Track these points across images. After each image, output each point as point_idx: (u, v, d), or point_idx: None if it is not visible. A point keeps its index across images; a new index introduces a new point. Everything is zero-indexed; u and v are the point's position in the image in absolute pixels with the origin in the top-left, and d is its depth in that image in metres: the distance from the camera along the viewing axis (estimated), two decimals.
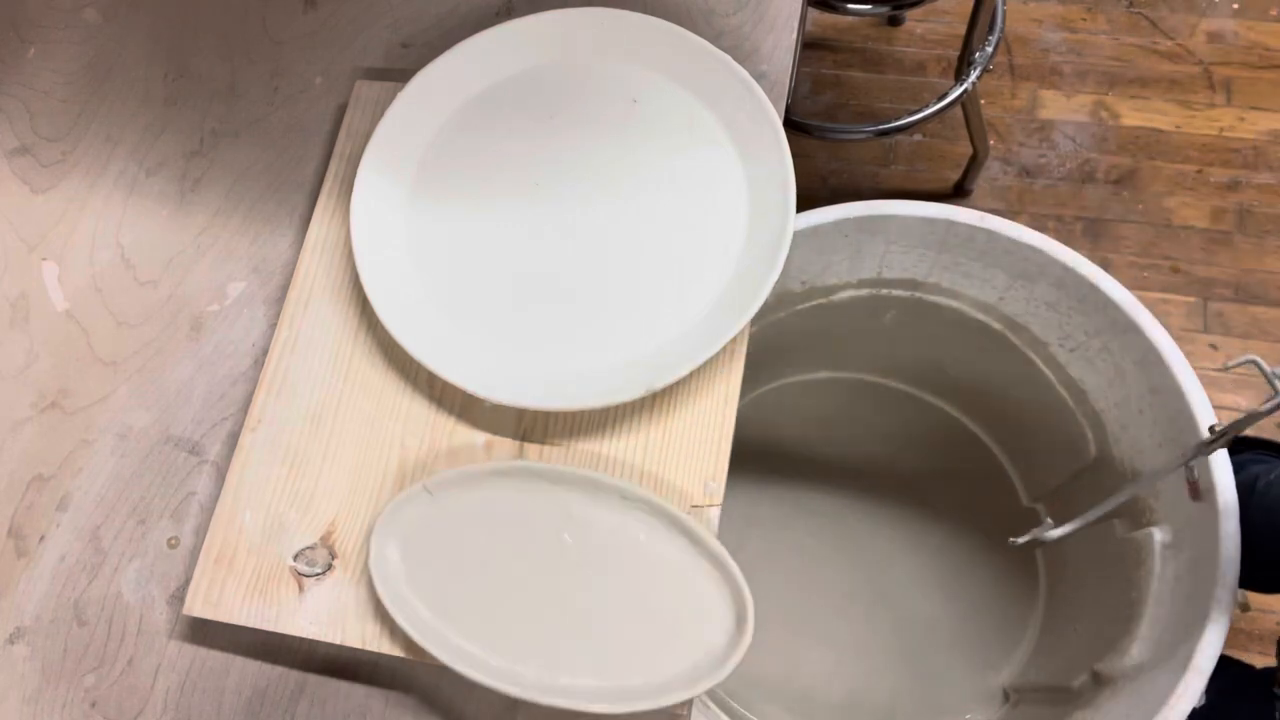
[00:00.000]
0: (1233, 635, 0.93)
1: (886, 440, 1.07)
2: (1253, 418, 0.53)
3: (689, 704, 0.48)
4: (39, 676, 0.54)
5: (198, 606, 0.52)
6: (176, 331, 0.61)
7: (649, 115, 0.58)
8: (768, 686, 0.97)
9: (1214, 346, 1.26)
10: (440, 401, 0.55)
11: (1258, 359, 0.52)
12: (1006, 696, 0.93)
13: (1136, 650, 0.69)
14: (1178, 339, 0.72)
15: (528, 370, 0.53)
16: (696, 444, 0.52)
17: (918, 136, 1.42)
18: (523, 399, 0.51)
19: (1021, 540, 0.71)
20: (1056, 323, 0.81)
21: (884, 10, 1.03)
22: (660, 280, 0.54)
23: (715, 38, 0.61)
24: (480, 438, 0.54)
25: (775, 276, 0.51)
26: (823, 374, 1.07)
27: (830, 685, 0.98)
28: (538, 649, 0.49)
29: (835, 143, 1.39)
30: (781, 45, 0.62)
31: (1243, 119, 1.38)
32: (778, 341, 0.94)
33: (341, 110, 0.64)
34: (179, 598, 0.55)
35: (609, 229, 0.56)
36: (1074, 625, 0.87)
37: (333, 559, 0.52)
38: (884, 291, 0.88)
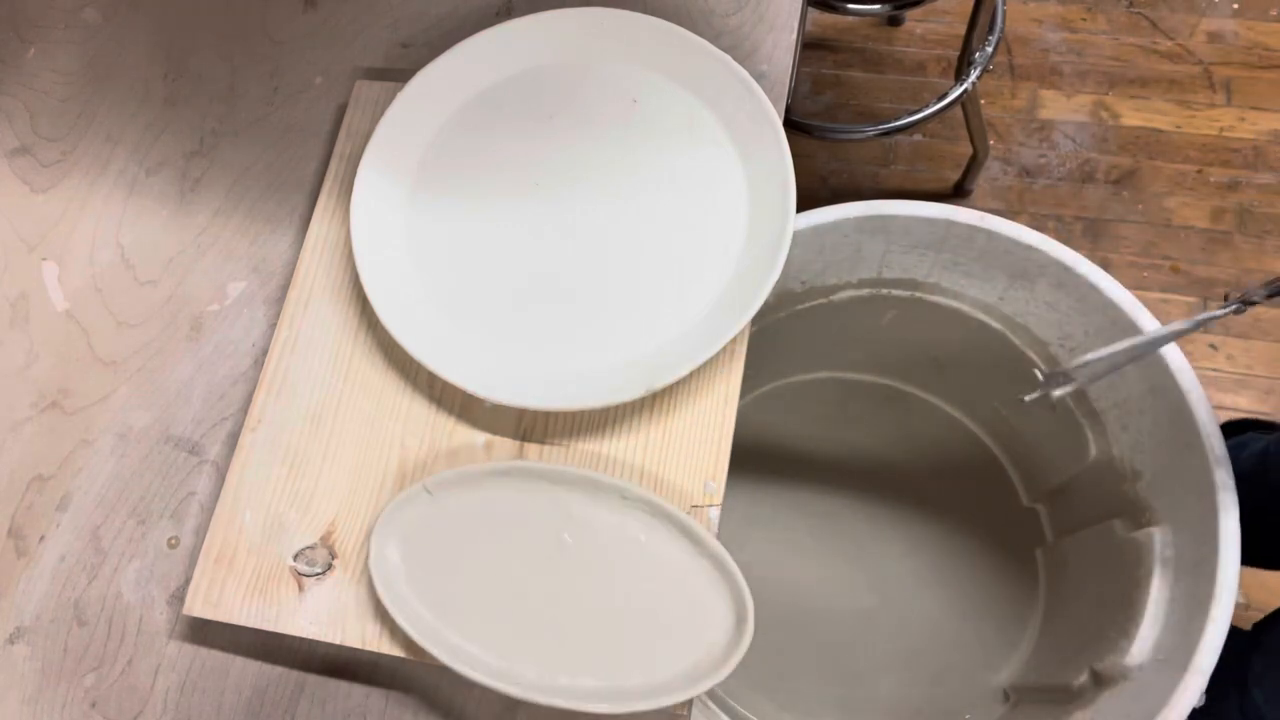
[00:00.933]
0: None
1: (886, 440, 1.07)
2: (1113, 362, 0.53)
3: (689, 704, 0.48)
4: (39, 676, 0.54)
5: (198, 606, 0.52)
6: (176, 331, 0.61)
7: (649, 115, 0.58)
8: (768, 686, 0.97)
9: (1214, 347, 1.26)
10: (440, 401, 0.55)
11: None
12: (1006, 696, 0.93)
13: (1136, 650, 0.69)
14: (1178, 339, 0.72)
15: (527, 370, 0.53)
16: (696, 444, 0.52)
17: (918, 136, 1.42)
18: (523, 399, 0.51)
19: (1030, 397, 0.68)
20: (1056, 323, 0.81)
21: (884, 10, 1.03)
22: (660, 280, 0.54)
23: (715, 38, 0.61)
24: (480, 438, 0.54)
25: (775, 276, 0.51)
26: (823, 374, 1.07)
27: (830, 685, 0.98)
28: (538, 649, 0.49)
29: (835, 143, 1.39)
30: (781, 45, 0.62)
31: (1243, 119, 1.38)
32: (778, 341, 0.94)
33: (341, 110, 0.64)
34: (179, 598, 0.55)
35: (609, 229, 0.56)
36: (1074, 625, 0.87)
37: (333, 559, 0.52)
38: (884, 291, 0.88)
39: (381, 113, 0.59)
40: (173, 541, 0.56)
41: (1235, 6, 1.45)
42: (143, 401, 0.60)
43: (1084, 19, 1.46)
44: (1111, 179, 1.36)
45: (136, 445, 0.59)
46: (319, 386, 0.56)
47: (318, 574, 0.52)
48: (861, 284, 0.88)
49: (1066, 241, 0.83)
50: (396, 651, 0.50)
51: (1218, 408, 1.21)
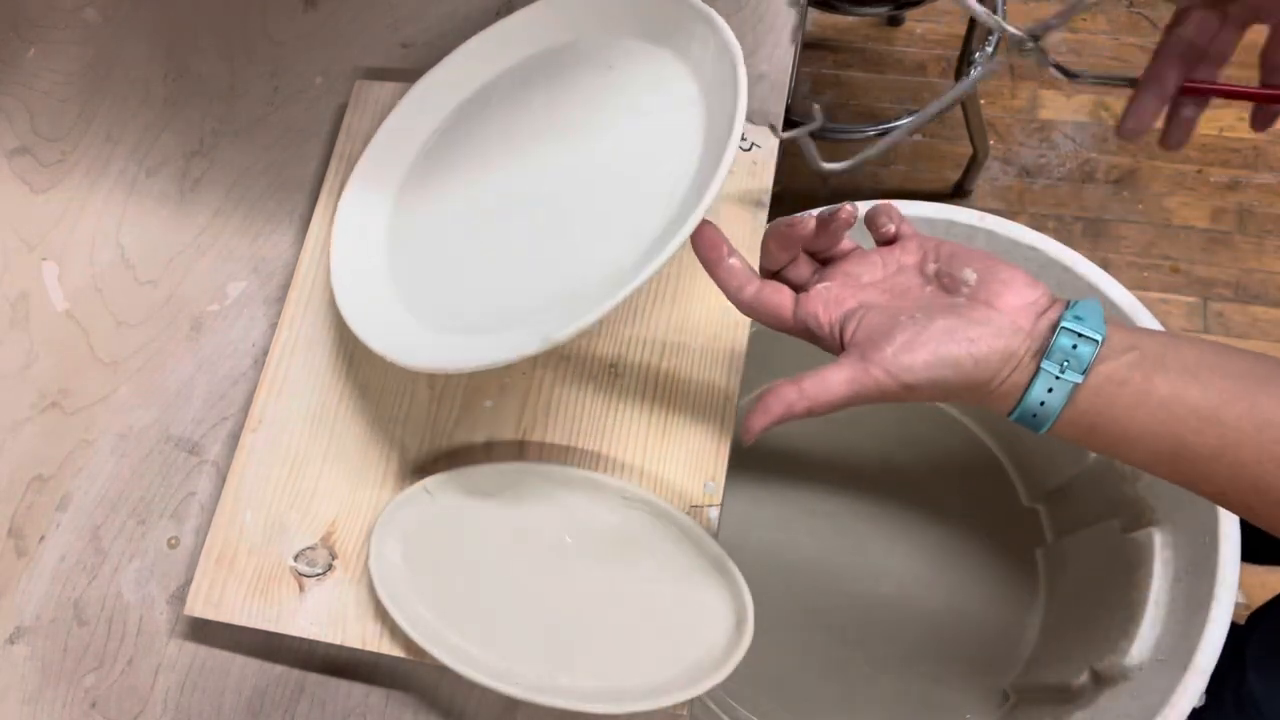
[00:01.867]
0: None
1: (886, 440, 1.07)
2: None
3: (689, 704, 0.48)
4: (39, 676, 0.54)
5: (198, 606, 0.52)
6: (176, 331, 0.61)
7: (623, 78, 0.55)
8: (768, 686, 0.97)
9: None
10: (440, 401, 0.55)
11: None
12: (1006, 696, 0.93)
13: (1136, 650, 0.69)
14: None
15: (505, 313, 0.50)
16: (696, 444, 0.52)
17: (918, 136, 1.42)
18: (523, 347, 0.46)
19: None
20: None
21: (884, 10, 1.04)
22: (614, 213, 0.51)
23: None
24: (480, 438, 0.54)
25: (713, 192, 0.45)
26: None
27: (830, 685, 0.98)
28: (538, 649, 0.49)
29: (835, 143, 1.39)
30: (781, 45, 0.62)
31: (1243, 119, 1.38)
32: (778, 342, 0.94)
33: (341, 110, 0.64)
34: (179, 598, 0.55)
35: (569, 180, 0.53)
36: (1074, 625, 0.87)
37: (333, 559, 0.52)
38: None
39: (382, 113, 0.59)
40: (173, 541, 0.56)
41: None
42: (143, 401, 0.60)
43: (1084, 19, 1.46)
44: (1111, 179, 1.36)
45: (136, 445, 0.59)
46: (319, 386, 0.56)
47: (318, 574, 0.52)
48: None
49: (1066, 241, 0.83)
50: (396, 651, 0.50)
51: None
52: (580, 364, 0.55)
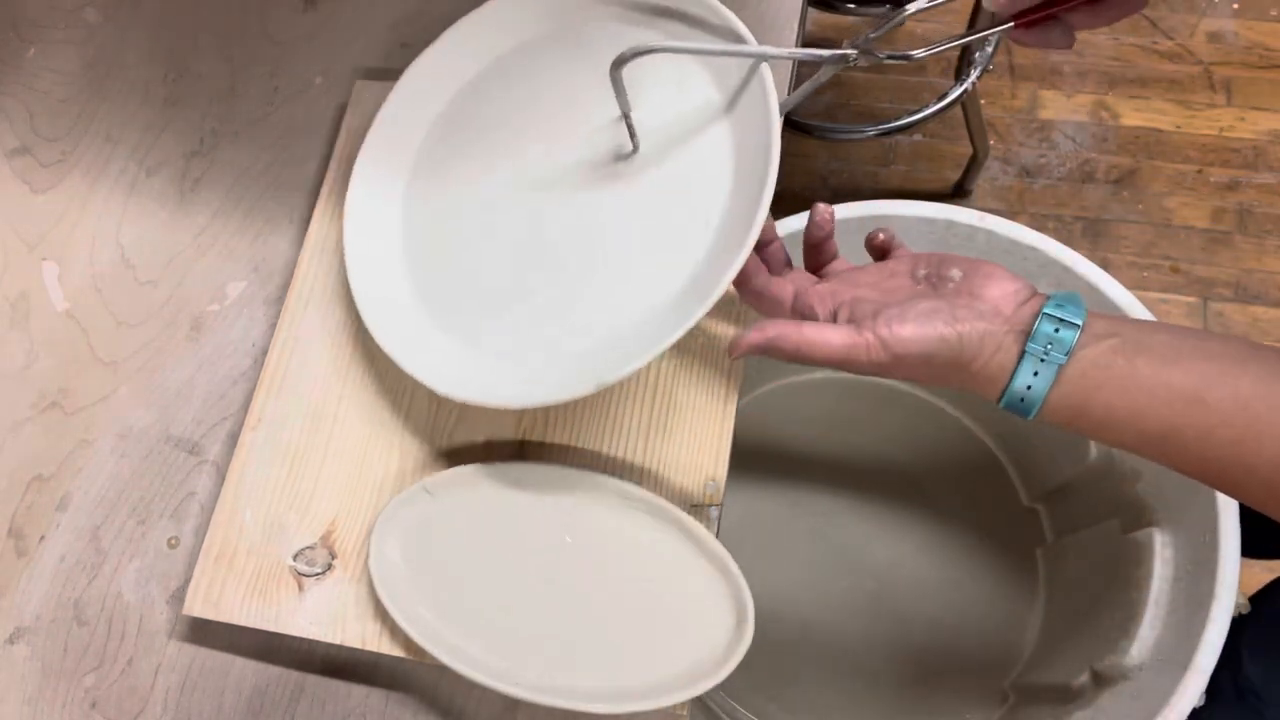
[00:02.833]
0: None
1: (886, 440, 1.07)
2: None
3: (689, 704, 0.48)
4: (39, 676, 0.54)
5: (198, 606, 0.52)
6: (176, 331, 0.61)
7: (639, 74, 0.52)
8: (768, 686, 0.97)
9: None
10: (440, 401, 0.55)
11: None
12: (1006, 696, 0.93)
13: (1136, 650, 0.69)
14: None
15: (512, 363, 0.50)
16: (696, 444, 0.52)
17: (918, 136, 1.42)
18: (529, 397, 0.48)
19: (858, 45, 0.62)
20: None
21: (884, 10, 1.03)
22: (643, 253, 0.50)
23: None
24: (480, 437, 0.54)
25: (749, 247, 0.45)
26: (822, 374, 1.07)
27: (830, 685, 0.98)
28: (537, 649, 0.49)
29: (835, 143, 1.39)
30: (783, 45, 0.62)
31: (1243, 119, 1.38)
32: None
33: (341, 110, 0.64)
34: (179, 598, 0.55)
35: (598, 209, 0.52)
36: (1074, 625, 0.87)
37: (333, 559, 0.52)
38: None
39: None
40: (173, 541, 0.56)
41: (1235, 6, 1.45)
42: (143, 401, 0.60)
43: None
44: (1111, 179, 1.36)
45: (136, 445, 0.59)
46: (319, 386, 0.56)
47: (318, 574, 0.52)
48: None
49: (1066, 241, 0.83)
50: (396, 651, 0.50)
51: None
52: None
